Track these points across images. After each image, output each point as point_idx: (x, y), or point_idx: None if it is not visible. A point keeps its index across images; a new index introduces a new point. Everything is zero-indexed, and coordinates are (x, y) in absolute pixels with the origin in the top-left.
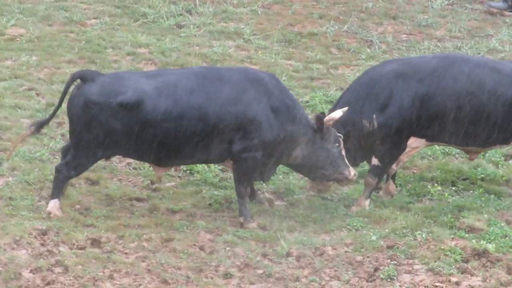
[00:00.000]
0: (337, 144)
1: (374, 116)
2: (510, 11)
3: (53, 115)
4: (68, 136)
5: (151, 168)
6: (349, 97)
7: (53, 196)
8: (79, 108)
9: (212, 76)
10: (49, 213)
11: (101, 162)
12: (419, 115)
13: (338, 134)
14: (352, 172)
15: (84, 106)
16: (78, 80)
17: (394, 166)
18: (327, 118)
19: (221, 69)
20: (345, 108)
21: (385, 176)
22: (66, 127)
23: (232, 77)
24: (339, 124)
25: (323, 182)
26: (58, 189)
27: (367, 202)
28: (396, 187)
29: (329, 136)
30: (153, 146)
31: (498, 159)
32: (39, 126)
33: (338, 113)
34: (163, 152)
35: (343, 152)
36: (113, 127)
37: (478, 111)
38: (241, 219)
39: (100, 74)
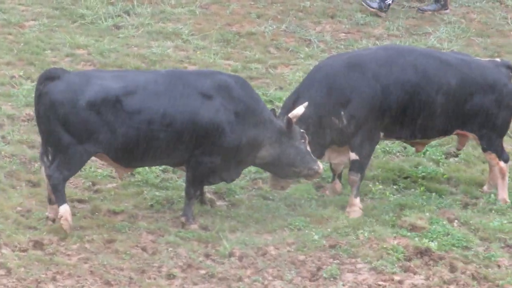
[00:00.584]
0: (303, 140)
1: (342, 112)
2: (445, 10)
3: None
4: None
5: (92, 169)
6: (308, 94)
7: (59, 201)
8: (47, 106)
9: (179, 81)
10: (61, 217)
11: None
12: (379, 107)
13: (303, 132)
14: (320, 165)
15: (51, 105)
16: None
17: (343, 160)
18: (291, 115)
19: (188, 74)
20: (306, 104)
21: (332, 175)
22: (6, 129)
23: (199, 83)
24: (300, 120)
25: (285, 179)
26: (59, 193)
27: (357, 200)
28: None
29: (294, 133)
30: (119, 146)
31: (439, 157)
32: (44, 154)
33: (300, 109)
34: (128, 153)
35: (308, 148)
36: (85, 124)
37: (425, 101)
38: (183, 219)
39: (66, 72)
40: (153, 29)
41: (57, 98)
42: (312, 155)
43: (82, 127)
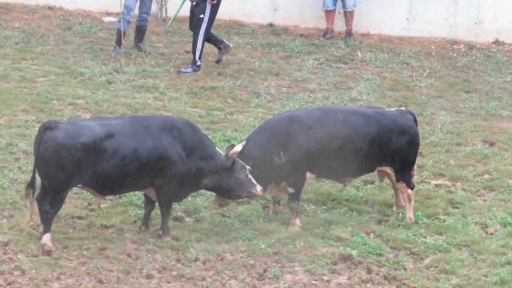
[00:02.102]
0: (243, 170)
1: (282, 153)
2: (197, 70)
3: (35, 170)
4: (24, 170)
5: (89, 193)
6: (256, 139)
7: (45, 231)
8: (50, 151)
9: (141, 124)
10: (44, 245)
11: None
12: (311, 154)
13: (244, 164)
14: (258, 189)
15: (55, 149)
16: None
17: (280, 194)
18: (231, 152)
19: (146, 118)
20: (244, 142)
21: (273, 200)
22: (22, 162)
23: (154, 126)
24: (249, 158)
25: (224, 199)
26: (48, 225)
27: (297, 220)
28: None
29: (235, 166)
30: (101, 179)
31: (359, 184)
32: (31, 187)
33: (238, 147)
34: (108, 183)
35: (250, 175)
36: (78, 163)
37: (352, 149)
38: (160, 232)
39: (60, 122)
40: (137, 84)
41: (60, 142)
42: (252, 181)
43: (76, 165)
